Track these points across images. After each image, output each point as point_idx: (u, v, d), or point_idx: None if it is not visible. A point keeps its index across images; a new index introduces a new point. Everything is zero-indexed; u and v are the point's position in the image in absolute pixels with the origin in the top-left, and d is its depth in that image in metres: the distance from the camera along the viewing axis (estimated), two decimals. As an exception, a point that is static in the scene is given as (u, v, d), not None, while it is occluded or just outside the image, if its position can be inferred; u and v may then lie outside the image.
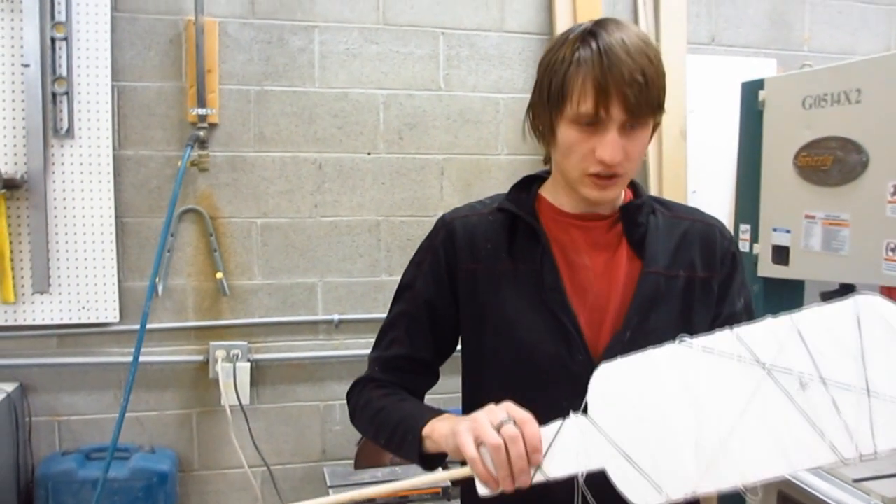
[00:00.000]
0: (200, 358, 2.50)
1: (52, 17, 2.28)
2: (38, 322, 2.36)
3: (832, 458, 0.85)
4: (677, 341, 0.93)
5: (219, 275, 2.48)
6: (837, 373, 0.87)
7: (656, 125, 1.13)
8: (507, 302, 1.14)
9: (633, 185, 1.22)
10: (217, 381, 2.47)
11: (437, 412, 1.08)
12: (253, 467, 2.53)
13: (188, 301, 2.50)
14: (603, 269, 1.15)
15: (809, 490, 1.79)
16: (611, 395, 0.92)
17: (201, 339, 2.51)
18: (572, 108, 1.05)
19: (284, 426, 2.60)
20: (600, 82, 1.02)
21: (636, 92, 1.02)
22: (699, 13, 2.85)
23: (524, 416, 0.92)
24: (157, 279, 2.40)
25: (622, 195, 1.19)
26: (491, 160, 2.70)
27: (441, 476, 0.98)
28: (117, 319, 2.42)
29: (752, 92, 2.33)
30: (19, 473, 2.31)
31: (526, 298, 1.13)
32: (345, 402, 1.27)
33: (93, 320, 2.40)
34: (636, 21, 2.74)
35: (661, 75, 1.06)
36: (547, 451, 0.90)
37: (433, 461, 1.05)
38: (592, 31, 1.06)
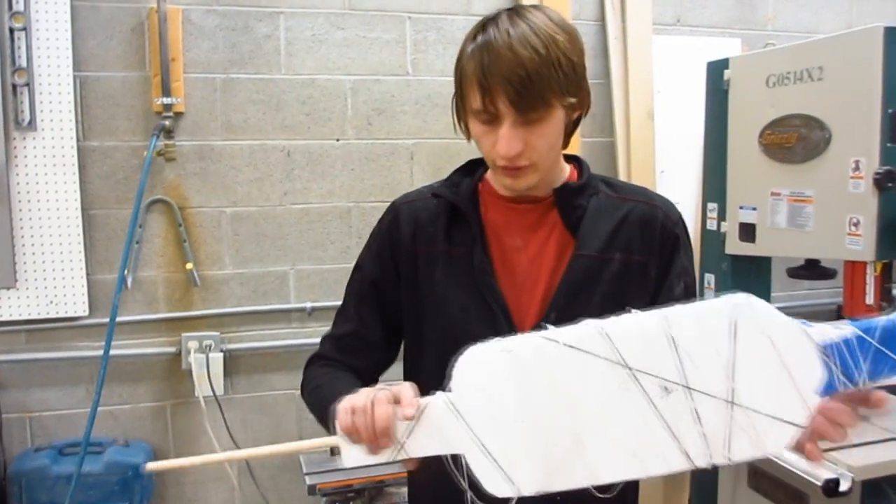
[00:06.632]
0: (173, 349, 2.48)
1: (10, 6, 2.22)
2: (6, 318, 2.32)
3: (686, 465, 0.84)
4: (543, 331, 0.89)
5: (189, 265, 2.46)
6: (703, 379, 0.84)
7: (575, 111, 1.10)
8: (441, 283, 1.18)
9: (579, 165, 1.24)
10: (190, 372, 2.45)
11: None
12: (229, 457, 2.52)
13: (159, 292, 2.48)
14: (536, 251, 1.17)
15: (778, 461, 1.82)
16: (474, 380, 0.90)
17: (173, 330, 2.49)
18: (470, 104, 1.08)
19: (260, 415, 2.59)
20: (481, 80, 1.03)
21: (518, 86, 1.00)
22: (664, -6, 2.86)
23: (399, 391, 0.94)
24: (127, 271, 2.37)
25: (564, 175, 1.20)
26: (461, 144, 2.64)
27: (319, 442, 1.00)
28: (87, 313, 2.39)
29: (717, 72, 2.35)
30: (-9, 471, 2.29)
31: (458, 280, 1.17)
32: None
33: (62, 314, 2.37)
34: (601, 2, 2.75)
35: (550, 65, 1.02)
36: (411, 432, 0.91)
37: None
38: (484, 24, 1.07)
